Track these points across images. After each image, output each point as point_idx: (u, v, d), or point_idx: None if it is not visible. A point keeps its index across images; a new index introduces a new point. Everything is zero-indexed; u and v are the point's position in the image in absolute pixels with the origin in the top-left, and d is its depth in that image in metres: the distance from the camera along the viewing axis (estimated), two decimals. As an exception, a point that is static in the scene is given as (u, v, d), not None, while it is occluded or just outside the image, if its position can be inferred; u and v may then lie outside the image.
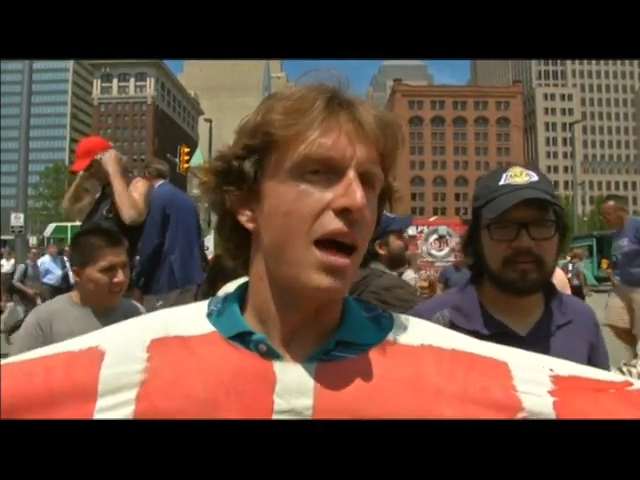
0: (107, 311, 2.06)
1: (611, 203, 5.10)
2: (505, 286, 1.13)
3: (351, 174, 0.58)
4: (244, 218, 0.64)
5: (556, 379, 0.63)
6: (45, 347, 0.69)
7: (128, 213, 2.97)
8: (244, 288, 0.69)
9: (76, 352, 0.66)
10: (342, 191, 0.58)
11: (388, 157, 0.63)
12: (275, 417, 0.59)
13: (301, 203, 0.58)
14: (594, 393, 0.62)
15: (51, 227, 22.77)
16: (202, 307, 0.69)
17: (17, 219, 10.82)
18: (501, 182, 1.13)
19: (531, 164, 1.15)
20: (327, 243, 0.58)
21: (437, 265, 11.41)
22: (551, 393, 0.61)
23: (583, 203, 76.90)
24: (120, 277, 2.03)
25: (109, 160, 3.02)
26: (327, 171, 0.59)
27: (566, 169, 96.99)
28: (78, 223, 3.71)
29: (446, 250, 13.15)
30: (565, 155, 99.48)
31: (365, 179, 0.59)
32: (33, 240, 22.01)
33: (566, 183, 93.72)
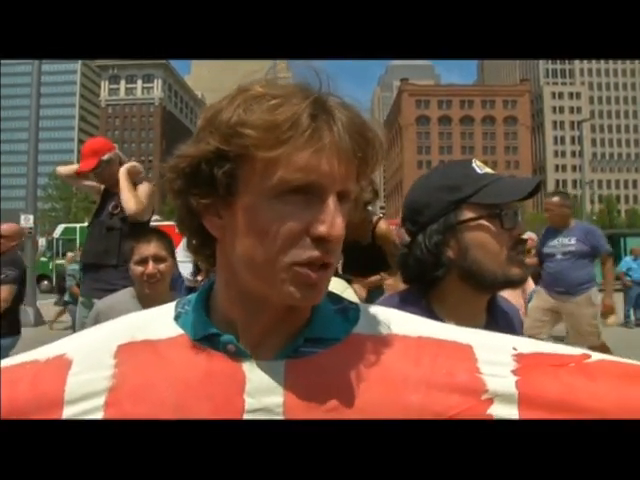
0: (154, 304, 2.09)
1: (556, 199, 4.62)
2: (507, 283, 1.03)
3: (331, 200, 0.57)
4: (210, 225, 0.61)
5: (519, 357, 0.64)
6: (13, 357, 0.67)
7: (132, 208, 3.01)
8: (209, 289, 0.67)
9: (42, 362, 0.65)
10: (322, 218, 0.56)
11: (366, 172, 0.61)
12: (246, 416, 0.59)
13: (278, 225, 0.56)
14: (555, 368, 0.63)
15: (60, 228, 22.87)
16: (170, 309, 0.68)
17: (27, 220, 10.90)
18: (479, 171, 1.04)
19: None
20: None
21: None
22: (514, 372, 0.63)
23: (592, 202, 76.31)
24: (149, 268, 2.16)
25: (123, 164, 3.07)
26: (307, 192, 0.57)
27: (574, 168, 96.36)
28: (87, 224, 3.74)
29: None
30: (573, 154, 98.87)
31: (342, 196, 0.58)
32: (42, 241, 22.14)
33: (574, 182, 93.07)
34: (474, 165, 1.05)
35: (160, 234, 2.33)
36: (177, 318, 0.66)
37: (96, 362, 0.63)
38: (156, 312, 0.69)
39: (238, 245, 0.59)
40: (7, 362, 0.66)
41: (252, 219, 0.58)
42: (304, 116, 0.55)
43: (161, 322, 0.66)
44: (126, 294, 2.32)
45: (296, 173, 0.55)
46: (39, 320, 10.31)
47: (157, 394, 0.60)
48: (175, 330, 0.64)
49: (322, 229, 0.56)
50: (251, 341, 0.62)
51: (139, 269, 2.18)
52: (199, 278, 6.67)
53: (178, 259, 3.14)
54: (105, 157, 3.08)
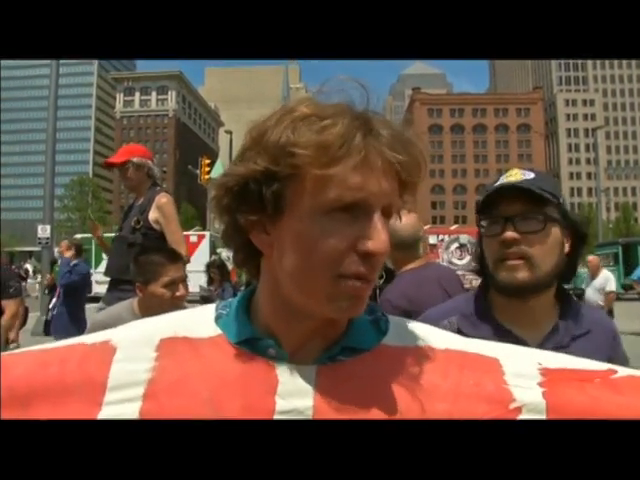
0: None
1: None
2: (498, 286, 1.11)
3: (377, 217, 0.58)
4: (258, 241, 0.63)
5: (545, 371, 0.65)
6: (59, 340, 0.71)
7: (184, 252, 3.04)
8: (251, 293, 0.70)
9: (89, 345, 0.69)
10: (368, 234, 0.58)
11: (409, 186, 0.62)
12: (276, 417, 0.61)
13: (325, 242, 0.58)
14: (581, 382, 0.64)
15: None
16: (210, 311, 0.71)
17: (44, 231, 11.05)
18: (496, 183, 1.12)
19: (536, 168, 1.24)
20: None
21: (458, 273, 11.29)
22: (540, 384, 0.64)
23: (608, 210, 75.46)
24: (182, 291, 2.13)
25: (167, 203, 3.03)
26: (354, 209, 0.58)
27: (589, 175, 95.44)
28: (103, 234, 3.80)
29: (467, 259, 13.00)
30: (588, 161, 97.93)
31: (385, 210, 0.60)
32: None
33: (590, 190, 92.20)
34: (502, 176, 1.17)
35: (179, 252, 2.32)
36: (217, 319, 0.69)
37: (139, 353, 0.66)
38: (198, 312, 0.72)
39: (285, 261, 0.61)
40: (54, 344, 0.70)
41: (300, 236, 0.59)
42: (357, 137, 0.57)
43: (202, 322, 0.69)
44: (124, 306, 2.25)
45: (347, 191, 0.57)
46: (55, 329, 10.39)
47: (192, 388, 0.62)
48: (215, 330, 0.68)
49: (369, 245, 0.58)
50: (289, 348, 0.64)
51: (167, 292, 2.08)
52: (212, 288, 6.83)
53: (190, 269, 3.18)
54: (135, 159, 3.09)
